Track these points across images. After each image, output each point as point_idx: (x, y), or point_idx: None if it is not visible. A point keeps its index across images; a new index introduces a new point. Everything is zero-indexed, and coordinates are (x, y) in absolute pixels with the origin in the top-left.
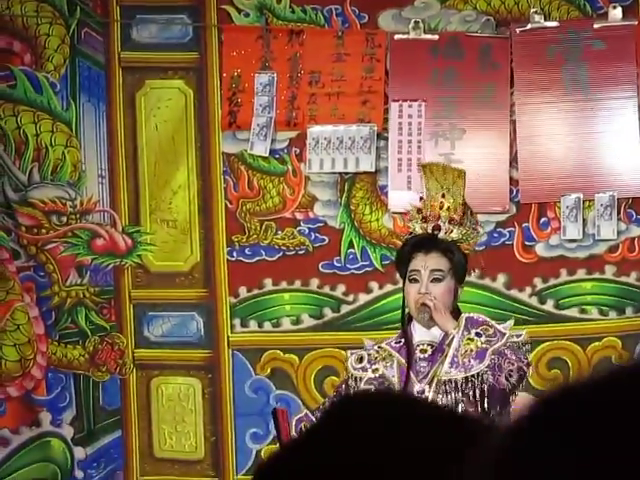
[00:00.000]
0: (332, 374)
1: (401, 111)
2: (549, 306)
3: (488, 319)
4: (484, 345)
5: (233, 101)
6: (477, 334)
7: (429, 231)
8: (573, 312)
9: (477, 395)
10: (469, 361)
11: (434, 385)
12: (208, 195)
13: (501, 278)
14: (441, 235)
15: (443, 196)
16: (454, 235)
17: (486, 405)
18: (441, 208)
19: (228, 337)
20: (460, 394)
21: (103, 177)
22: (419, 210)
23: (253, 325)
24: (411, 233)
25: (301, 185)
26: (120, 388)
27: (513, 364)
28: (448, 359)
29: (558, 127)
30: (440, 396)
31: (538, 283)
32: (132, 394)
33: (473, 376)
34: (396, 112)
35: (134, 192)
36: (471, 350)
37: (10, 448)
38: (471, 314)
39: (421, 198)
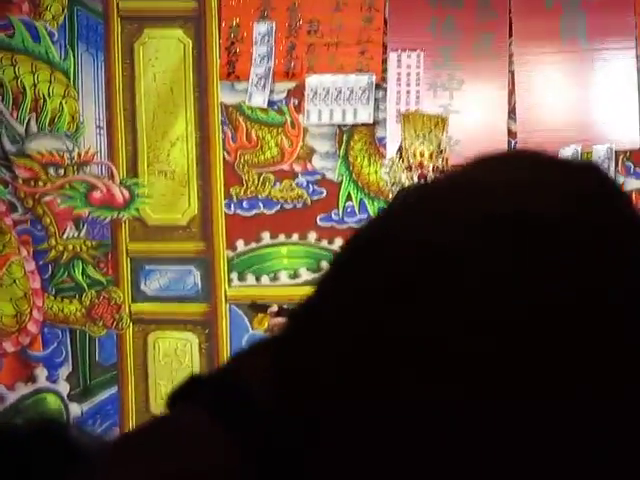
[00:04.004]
0: None
1: (400, 61)
2: None
3: None
4: None
5: (231, 51)
6: None
7: (415, 180)
8: None
9: None
10: None
11: None
12: (206, 146)
13: None
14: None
15: (422, 144)
16: None
17: None
18: (422, 156)
19: (225, 291)
20: None
21: (101, 128)
22: (401, 159)
23: (250, 279)
24: (393, 184)
25: (299, 137)
26: (116, 343)
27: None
28: None
29: (556, 78)
30: None
31: None
32: (128, 349)
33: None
34: (395, 62)
35: (132, 144)
36: None
37: (6, 404)
38: None
39: (400, 148)
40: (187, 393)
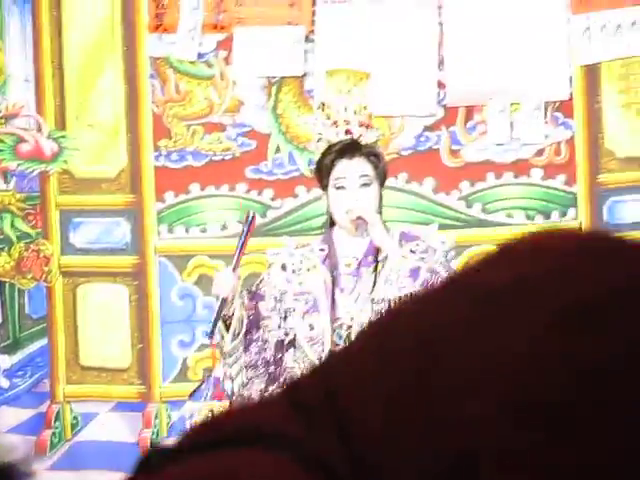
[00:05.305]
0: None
1: (329, 13)
2: (476, 210)
3: (420, 233)
4: (418, 263)
5: (159, 3)
6: (411, 251)
7: (340, 136)
8: (500, 217)
9: None
10: (403, 280)
11: (361, 303)
12: (134, 99)
13: (428, 182)
14: (360, 139)
15: (346, 99)
16: (368, 138)
17: None
18: (346, 111)
19: (155, 243)
20: None
21: (28, 81)
22: (327, 115)
23: (180, 231)
24: (319, 140)
25: (228, 89)
26: (46, 296)
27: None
28: (382, 277)
29: (486, 30)
30: (369, 315)
31: (465, 187)
32: (58, 302)
33: (406, 295)
34: (324, 14)
35: (60, 96)
36: (405, 268)
37: None
38: (404, 229)
39: (323, 104)
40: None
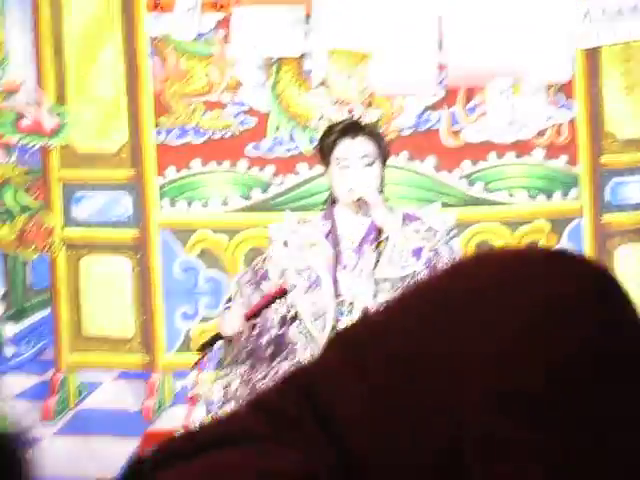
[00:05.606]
0: (260, 255)
1: None
2: (478, 189)
3: (422, 214)
4: (420, 243)
5: None
6: (414, 231)
7: (343, 115)
8: (502, 195)
9: None
10: (406, 260)
11: (363, 280)
12: (134, 76)
13: (430, 161)
14: (361, 119)
15: (348, 79)
16: (370, 117)
17: None
18: (348, 90)
19: (157, 217)
20: (394, 292)
21: (28, 57)
22: (329, 95)
23: (182, 205)
24: (321, 118)
25: (228, 67)
26: (49, 267)
27: (448, 263)
28: (385, 257)
29: (487, 11)
30: (373, 293)
31: (467, 166)
32: (61, 273)
33: (409, 274)
34: None
35: (60, 72)
36: (408, 249)
37: None
38: (407, 210)
39: (322, 82)
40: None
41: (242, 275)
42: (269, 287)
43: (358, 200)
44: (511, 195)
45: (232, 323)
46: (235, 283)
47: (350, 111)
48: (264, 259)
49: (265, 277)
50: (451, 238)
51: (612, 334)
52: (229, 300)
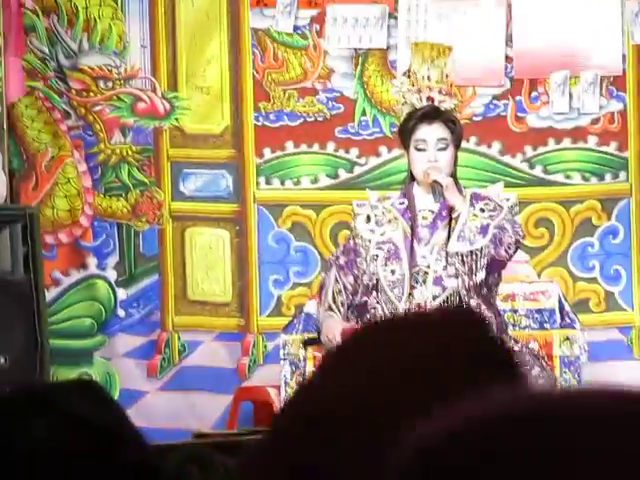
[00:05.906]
0: (345, 228)
1: None
2: (538, 171)
3: (490, 194)
4: (487, 220)
5: None
6: (481, 210)
7: (423, 102)
8: (559, 177)
9: (479, 266)
10: (474, 236)
11: (436, 253)
12: (238, 65)
13: (495, 145)
14: (440, 106)
15: (428, 69)
16: (447, 105)
17: (484, 273)
18: (429, 79)
19: (254, 193)
20: (463, 266)
21: (145, 47)
22: (411, 82)
23: (276, 183)
24: (404, 104)
25: (320, 58)
26: (158, 237)
27: (512, 237)
28: (456, 233)
29: (550, 11)
30: (443, 265)
31: (528, 151)
32: (168, 242)
33: (477, 249)
34: None
35: (172, 61)
36: (476, 225)
37: (61, 287)
38: (475, 190)
39: (407, 71)
40: None
41: (336, 257)
42: (361, 262)
43: (432, 182)
44: (567, 177)
45: (330, 333)
46: (330, 263)
47: (430, 99)
48: (352, 237)
49: (359, 254)
50: (514, 215)
51: None
52: (321, 290)
